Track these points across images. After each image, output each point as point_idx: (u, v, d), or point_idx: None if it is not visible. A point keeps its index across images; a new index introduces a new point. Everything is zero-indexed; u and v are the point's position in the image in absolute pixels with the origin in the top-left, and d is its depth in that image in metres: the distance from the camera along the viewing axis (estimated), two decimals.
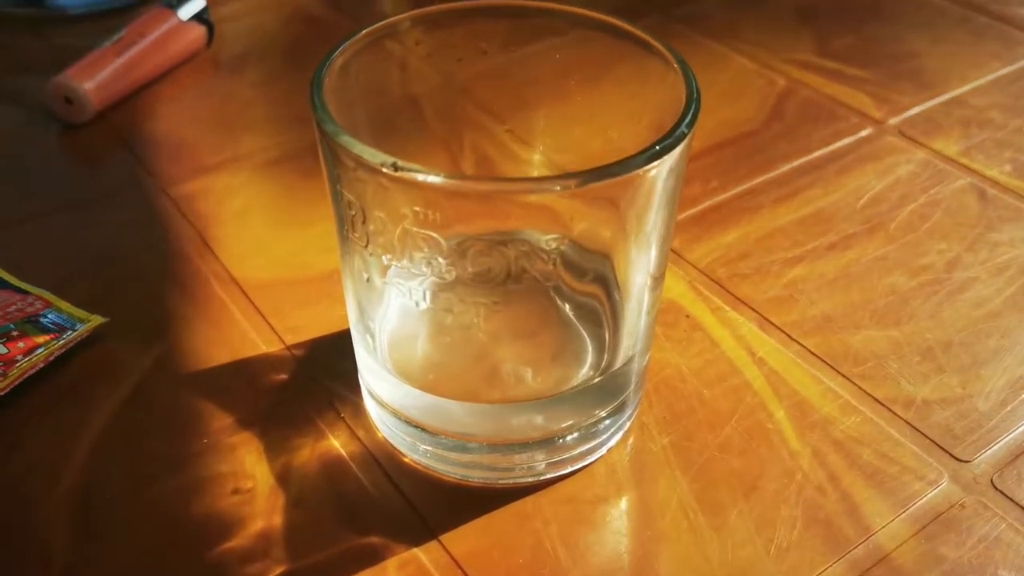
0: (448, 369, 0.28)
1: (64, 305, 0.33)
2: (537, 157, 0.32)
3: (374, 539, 0.26)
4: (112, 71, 0.43)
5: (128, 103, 0.44)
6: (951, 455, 0.28)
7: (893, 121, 0.43)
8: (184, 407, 0.30)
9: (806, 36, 0.50)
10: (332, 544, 0.26)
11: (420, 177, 0.21)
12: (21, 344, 0.31)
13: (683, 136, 0.23)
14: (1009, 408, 0.30)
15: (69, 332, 0.32)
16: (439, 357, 0.28)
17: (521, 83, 0.31)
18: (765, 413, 0.30)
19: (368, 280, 0.25)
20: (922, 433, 0.29)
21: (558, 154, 0.32)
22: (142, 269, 0.35)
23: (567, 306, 0.29)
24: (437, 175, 0.21)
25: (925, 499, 0.27)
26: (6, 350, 0.31)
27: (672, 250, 0.36)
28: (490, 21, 0.29)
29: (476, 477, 0.28)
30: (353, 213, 0.24)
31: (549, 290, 0.27)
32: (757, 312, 0.33)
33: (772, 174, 0.40)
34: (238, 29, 0.50)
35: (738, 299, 0.34)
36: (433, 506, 0.27)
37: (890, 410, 0.30)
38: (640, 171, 0.22)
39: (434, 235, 0.22)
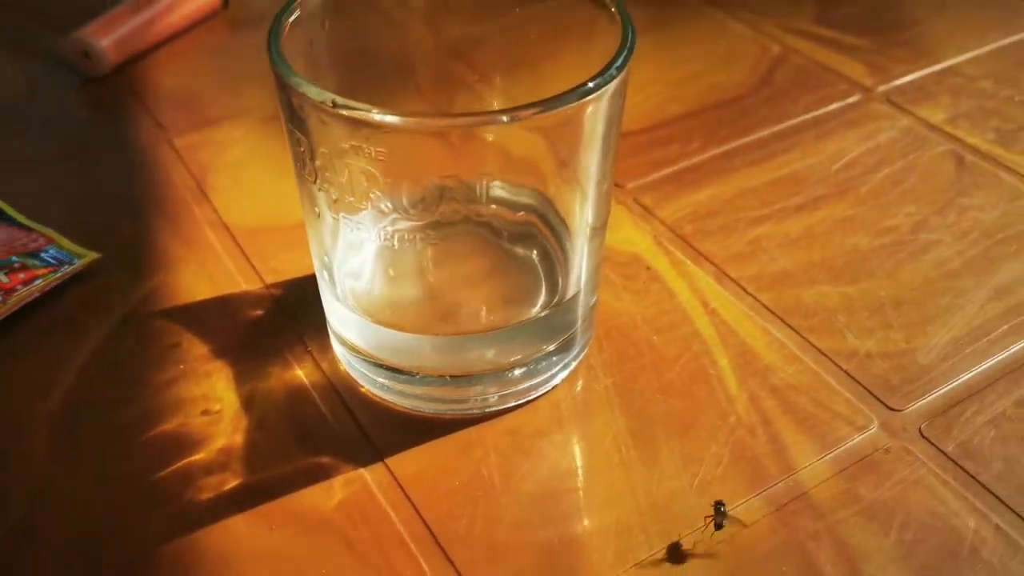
0: (402, 303, 0.30)
1: (65, 242, 0.36)
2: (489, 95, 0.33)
3: (325, 459, 0.28)
4: (129, 29, 0.46)
5: (144, 59, 0.47)
6: (884, 404, 0.29)
7: (882, 88, 0.43)
8: (166, 337, 0.32)
9: (808, 4, 0.50)
10: (286, 462, 0.28)
11: (357, 114, 0.23)
12: (21, 275, 0.33)
13: (611, 78, 0.24)
14: (950, 363, 0.30)
15: (66, 266, 0.34)
16: (392, 292, 0.30)
17: (487, 43, 0.32)
18: (709, 359, 0.31)
19: (320, 216, 0.27)
20: (859, 383, 0.30)
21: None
22: (141, 212, 0.38)
23: (510, 243, 0.30)
24: (371, 111, 0.23)
25: (852, 443, 0.28)
26: (7, 280, 0.33)
27: (642, 206, 0.37)
28: None
29: (427, 408, 0.29)
30: (303, 150, 0.25)
31: (489, 226, 0.29)
32: (717, 266, 0.34)
33: (752, 137, 0.41)
34: None
35: (700, 253, 0.35)
36: (383, 433, 0.29)
37: (832, 360, 0.31)
38: (569, 108, 0.23)
39: (371, 169, 0.24)
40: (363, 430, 0.29)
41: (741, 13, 0.49)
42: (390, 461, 0.28)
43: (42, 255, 0.35)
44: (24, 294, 0.33)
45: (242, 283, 0.34)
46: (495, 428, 0.29)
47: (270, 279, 0.35)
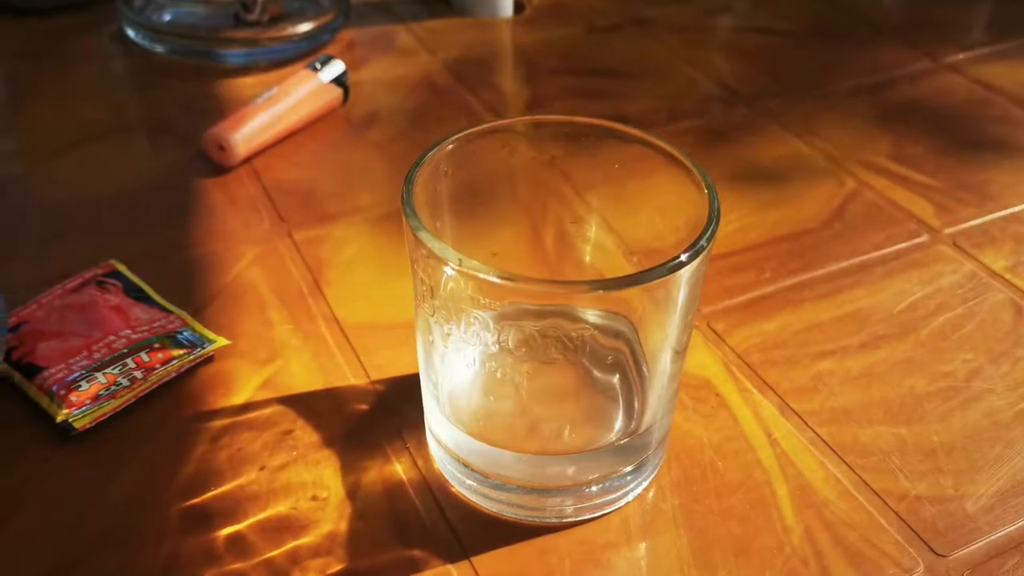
0: (496, 421, 0.33)
1: (197, 326, 0.40)
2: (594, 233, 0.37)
3: (417, 552, 0.32)
4: (258, 124, 0.51)
5: (270, 152, 0.52)
6: (930, 548, 0.32)
7: (949, 231, 0.46)
8: (281, 422, 0.37)
9: (884, 139, 0.53)
10: (383, 552, 0.32)
11: (478, 273, 0.27)
12: (160, 355, 0.38)
13: (701, 249, 0.28)
14: (995, 514, 0.33)
15: (199, 349, 0.39)
16: (489, 410, 0.33)
17: (592, 183, 0.36)
18: (769, 489, 0.34)
19: (432, 342, 0.31)
20: (908, 525, 0.32)
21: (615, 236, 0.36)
22: (264, 302, 0.42)
23: (599, 377, 0.34)
24: (490, 273, 0.27)
25: None
26: (149, 359, 0.38)
27: (715, 332, 0.40)
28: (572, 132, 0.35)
29: (510, 513, 0.33)
30: (424, 289, 0.29)
31: (580, 364, 0.32)
32: (781, 398, 0.37)
33: (821, 271, 0.44)
34: (370, 92, 0.58)
35: (766, 383, 0.38)
36: (470, 532, 0.32)
37: (884, 500, 0.33)
38: (650, 284, 0.27)
39: (484, 315, 0.28)
40: (452, 527, 0.33)
41: (819, 143, 0.52)
42: (475, 560, 0.32)
43: (178, 337, 0.39)
44: (162, 373, 0.38)
45: (349, 377, 0.39)
46: (570, 537, 0.32)
47: (374, 375, 0.39)
